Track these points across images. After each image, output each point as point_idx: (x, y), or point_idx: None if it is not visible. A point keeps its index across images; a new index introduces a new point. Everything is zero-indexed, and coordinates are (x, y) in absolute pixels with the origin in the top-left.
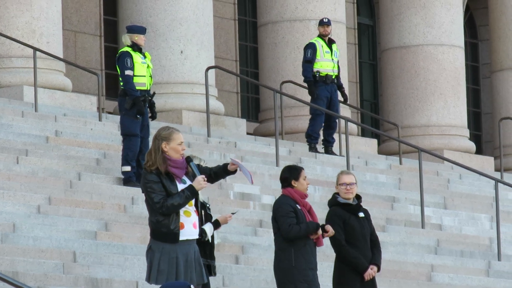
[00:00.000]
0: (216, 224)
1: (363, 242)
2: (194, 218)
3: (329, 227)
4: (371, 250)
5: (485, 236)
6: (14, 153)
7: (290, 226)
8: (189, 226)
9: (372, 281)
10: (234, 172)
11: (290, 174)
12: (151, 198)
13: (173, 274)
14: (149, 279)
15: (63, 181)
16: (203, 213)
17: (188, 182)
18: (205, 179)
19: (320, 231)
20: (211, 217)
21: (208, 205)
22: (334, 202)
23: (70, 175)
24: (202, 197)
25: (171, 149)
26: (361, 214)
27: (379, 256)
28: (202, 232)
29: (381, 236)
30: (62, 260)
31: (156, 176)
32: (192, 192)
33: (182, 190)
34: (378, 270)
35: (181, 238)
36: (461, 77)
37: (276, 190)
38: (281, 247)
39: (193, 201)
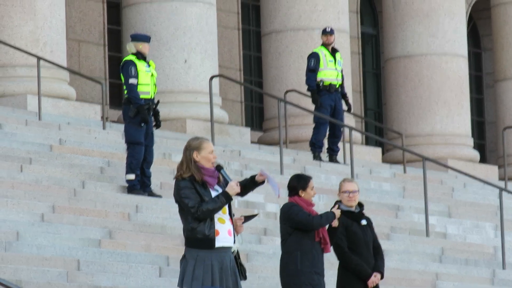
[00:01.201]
0: None
1: (366, 250)
2: (229, 225)
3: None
4: (374, 258)
5: (490, 245)
6: (18, 162)
7: (310, 216)
8: (224, 233)
9: None
10: (262, 183)
11: (298, 183)
12: (186, 204)
13: (209, 280)
14: (181, 285)
15: (67, 190)
16: None
17: (220, 190)
18: (238, 184)
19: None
20: None
21: None
22: None
23: (74, 184)
24: None
25: (202, 158)
26: (364, 222)
27: (382, 264)
28: None
29: (385, 244)
30: (66, 268)
31: (189, 183)
32: (226, 198)
33: (217, 196)
34: (382, 277)
35: (217, 244)
36: (464, 86)
37: (280, 198)
38: (288, 251)
39: (226, 209)
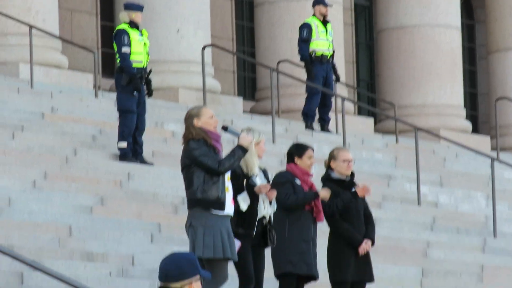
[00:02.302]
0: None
1: (357, 218)
2: (231, 194)
3: (324, 193)
4: (365, 226)
5: (481, 214)
6: (10, 129)
7: (287, 195)
8: (229, 201)
9: (367, 255)
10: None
11: (295, 151)
12: (204, 162)
13: (220, 247)
14: (194, 253)
15: (58, 157)
16: (244, 182)
17: None
18: (248, 133)
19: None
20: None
21: (252, 175)
22: (327, 178)
23: (65, 151)
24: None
25: (204, 124)
26: (354, 190)
27: (373, 231)
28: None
29: (377, 213)
30: (58, 235)
31: (202, 143)
32: (243, 150)
33: (233, 150)
34: (372, 244)
35: (225, 211)
36: (457, 58)
37: (272, 167)
38: (276, 219)
39: (229, 175)
